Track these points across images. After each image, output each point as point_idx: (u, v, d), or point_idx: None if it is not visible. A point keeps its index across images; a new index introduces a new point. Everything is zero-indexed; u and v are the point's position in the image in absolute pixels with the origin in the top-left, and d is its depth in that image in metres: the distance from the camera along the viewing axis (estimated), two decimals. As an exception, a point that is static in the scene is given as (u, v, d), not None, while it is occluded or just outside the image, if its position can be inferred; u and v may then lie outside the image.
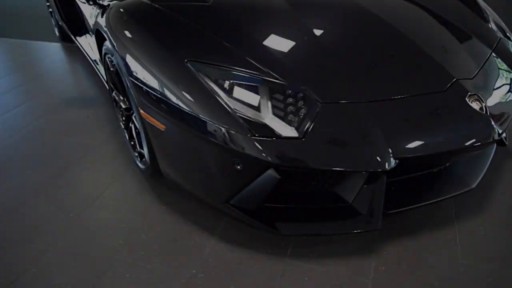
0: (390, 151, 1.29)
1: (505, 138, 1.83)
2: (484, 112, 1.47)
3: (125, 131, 2.00)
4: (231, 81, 1.34)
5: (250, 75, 1.36)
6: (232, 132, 1.27)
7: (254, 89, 1.34)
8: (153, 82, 1.40)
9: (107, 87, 2.20)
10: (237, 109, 1.29)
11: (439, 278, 1.42)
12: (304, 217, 1.46)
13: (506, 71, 1.75)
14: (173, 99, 1.35)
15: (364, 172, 1.34)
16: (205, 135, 1.31)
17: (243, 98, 1.31)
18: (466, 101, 1.46)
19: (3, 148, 2.23)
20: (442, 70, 1.56)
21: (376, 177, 1.42)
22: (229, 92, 1.32)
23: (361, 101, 1.37)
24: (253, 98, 1.32)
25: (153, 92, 1.41)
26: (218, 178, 1.40)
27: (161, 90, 1.38)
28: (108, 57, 1.87)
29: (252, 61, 1.38)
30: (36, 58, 3.71)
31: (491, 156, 1.73)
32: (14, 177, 1.97)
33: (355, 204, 1.45)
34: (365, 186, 1.45)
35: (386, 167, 1.27)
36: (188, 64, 1.35)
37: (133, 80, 1.53)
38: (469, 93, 1.49)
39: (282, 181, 1.31)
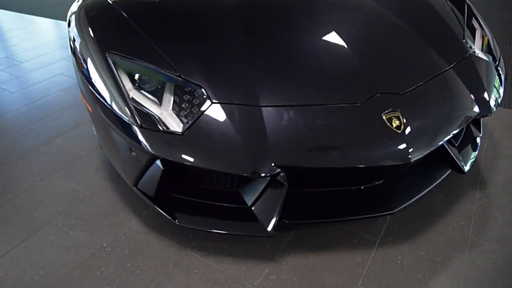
0: (272, 158, 1.28)
1: (462, 165, 1.64)
2: (401, 131, 1.35)
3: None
4: (142, 75, 1.43)
5: (161, 71, 1.43)
6: (127, 122, 1.37)
7: (161, 85, 1.42)
8: (84, 69, 1.56)
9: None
10: (141, 101, 1.38)
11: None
12: (206, 212, 1.51)
13: (460, 91, 1.57)
14: (94, 85, 1.49)
15: (261, 176, 1.32)
16: (111, 122, 1.43)
17: (148, 92, 1.40)
18: (382, 117, 1.36)
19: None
20: (368, 82, 1.46)
21: (276, 185, 1.41)
22: (137, 84, 1.42)
23: (257, 105, 1.36)
24: (158, 93, 1.40)
25: (83, 78, 1.57)
26: (125, 163, 1.51)
27: (87, 76, 1.53)
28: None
29: (166, 58, 1.45)
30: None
31: (431, 184, 1.58)
32: None
33: (254, 207, 1.46)
34: (266, 191, 1.45)
35: (262, 173, 1.25)
36: (108, 56, 1.47)
37: (76, 66, 1.71)
38: (389, 110, 1.39)
39: (166, 172, 1.38)
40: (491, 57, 1.78)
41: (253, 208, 1.46)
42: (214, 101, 1.38)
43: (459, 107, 1.50)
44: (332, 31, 1.63)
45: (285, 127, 1.32)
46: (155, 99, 1.38)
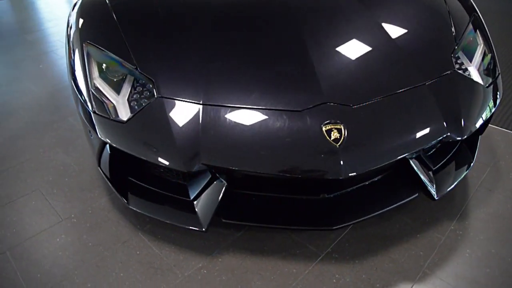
0: (201, 156, 1.31)
1: (433, 191, 1.50)
2: (338, 145, 1.29)
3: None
4: (109, 66, 1.55)
5: (123, 64, 1.54)
6: (85, 106, 1.49)
7: (124, 76, 1.53)
8: (69, 55, 1.73)
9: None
10: (102, 89, 1.50)
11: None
12: (157, 199, 1.59)
13: (428, 110, 1.44)
14: (72, 70, 1.64)
15: (190, 173, 1.36)
16: (79, 105, 1.57)
17: (112, 82, 1.52)
18: (321, 128, 1.31)
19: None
20: (318, 90, 1.41)
21: (216, 183, 1.43)
22: (103, 74, 1.54)
23: (198, 102, 1.40)
24: (119, 83, 1.51)
25: (70, 63, 1.73)
26: (90, 144, 1.65)
27: (70, 62, 1.69)
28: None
29: (131, 52, 1.55)
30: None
31: (389, 206, 1.47)
32: None
33: (195, 202, 1.50)
34: (207, 188, 1.48)
35: (185, 168, 1.29)
36: (84, 45, 1.61)
37: (66, 50, 1.84)
38: (331, 121, 1.33)
39: (114, 156, 1.48)
40: (487, 77, 1.61)
41: (194, 202, 1.50)
42: (159, 95, 1.45)
43: (420, 127, 1.39)
44: (298, 37, 1.60)
45: (219, 126, 1.34)
46: (115, 89, 1.49)
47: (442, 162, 1.65)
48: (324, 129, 1.33)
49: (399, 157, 1.34)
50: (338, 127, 1.34)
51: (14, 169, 2.08)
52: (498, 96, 1.59)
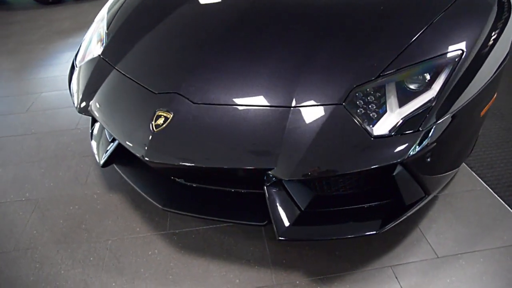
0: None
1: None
2: (155, 131, 1.43)
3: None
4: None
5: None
6: None
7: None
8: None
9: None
10: None
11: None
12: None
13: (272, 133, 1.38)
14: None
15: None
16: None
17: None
18: (155, 112, 1.49)
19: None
20: (179, 81, 1.56)
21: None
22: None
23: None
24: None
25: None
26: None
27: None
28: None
29: (106, 39, 1.95)
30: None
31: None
32: None
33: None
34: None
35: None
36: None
37: None
38: (166, 108, 1.47)
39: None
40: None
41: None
42: (116, 68, 1.73)
43: (245, 148, 1.37)
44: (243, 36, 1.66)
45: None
46: None
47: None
48: (157, 113, 1.47)
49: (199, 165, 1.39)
50: (167, 115, 1.46)
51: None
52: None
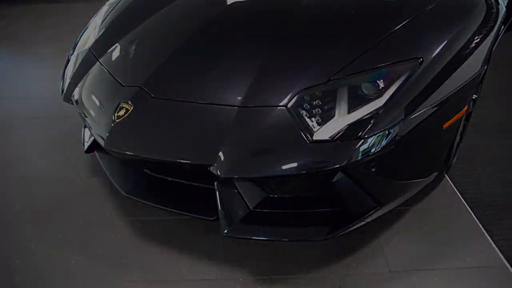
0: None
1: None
2: (116, 121, 1.51)
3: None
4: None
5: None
6: None
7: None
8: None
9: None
10: None
11: None
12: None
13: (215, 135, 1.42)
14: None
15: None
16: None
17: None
18: (119, 104, 1.56)
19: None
20: (146, 76, 1.63)
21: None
22: None
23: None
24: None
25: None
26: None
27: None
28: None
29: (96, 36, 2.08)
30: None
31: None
32: None
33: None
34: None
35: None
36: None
37: None
38: (129, 101, 1.54)
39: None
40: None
41: None
42: (100, 61, 1.84)
43: (191, 144, 1.43)
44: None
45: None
46: None
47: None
48: (120, 105, 1.54)
49: (153, 158, 1.45)
50: (128, 107, 1.53)
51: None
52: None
